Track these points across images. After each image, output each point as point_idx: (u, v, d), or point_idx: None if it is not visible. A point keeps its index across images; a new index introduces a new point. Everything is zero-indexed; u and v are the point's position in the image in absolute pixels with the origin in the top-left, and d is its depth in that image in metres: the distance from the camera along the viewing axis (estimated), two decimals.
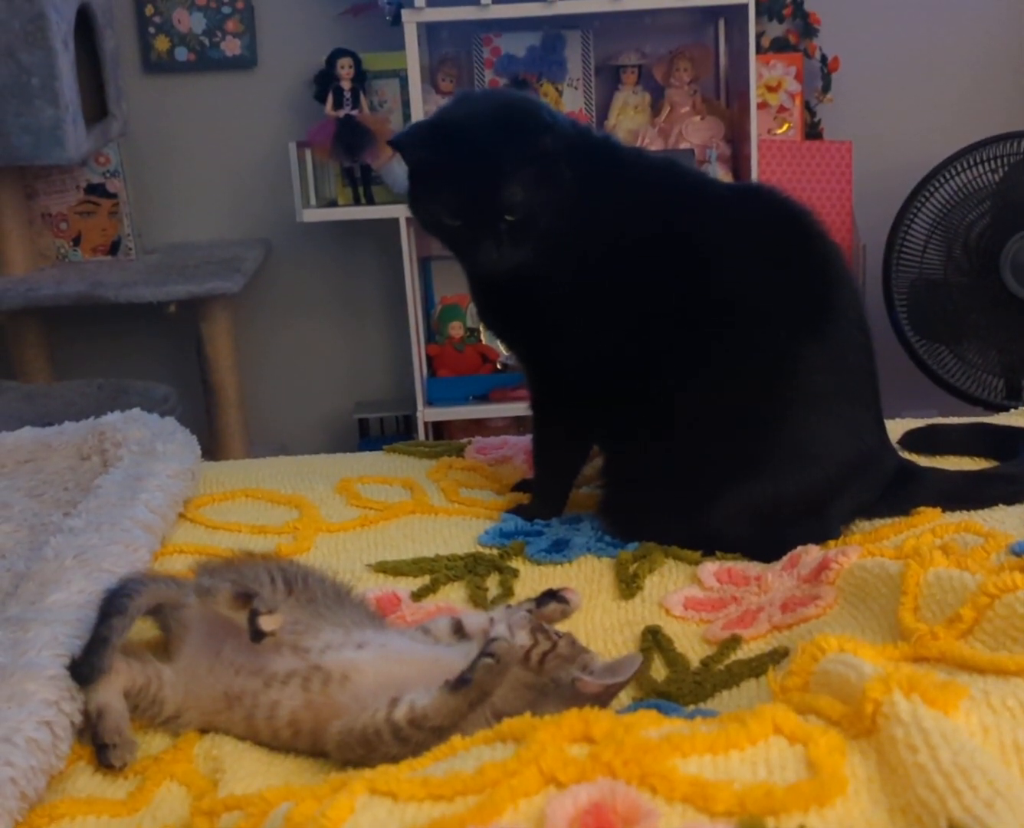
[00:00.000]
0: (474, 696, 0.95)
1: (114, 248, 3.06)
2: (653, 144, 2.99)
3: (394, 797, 0.81)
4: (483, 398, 2.99)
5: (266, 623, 1.04)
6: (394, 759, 0.91)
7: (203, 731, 1.08)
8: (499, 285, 1.50)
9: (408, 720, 0.96)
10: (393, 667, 1.03)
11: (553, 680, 1.02)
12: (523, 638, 1.03)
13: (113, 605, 1.07)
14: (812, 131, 3.10)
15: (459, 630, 1.13)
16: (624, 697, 1.14)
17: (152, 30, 3.09)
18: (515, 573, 1.38)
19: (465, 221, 1.42)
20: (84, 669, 1.04)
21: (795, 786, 0.78)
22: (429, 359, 3.05)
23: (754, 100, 2.81)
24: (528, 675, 1.02)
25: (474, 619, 1.15)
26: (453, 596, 1.34)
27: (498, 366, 3.05)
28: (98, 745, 1.03)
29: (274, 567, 1.14)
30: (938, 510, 1.41)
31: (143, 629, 1.16)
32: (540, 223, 1.42)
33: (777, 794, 0.77)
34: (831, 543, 1.37)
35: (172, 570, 1.38)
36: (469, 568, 1.39)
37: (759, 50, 2.95)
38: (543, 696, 1.01)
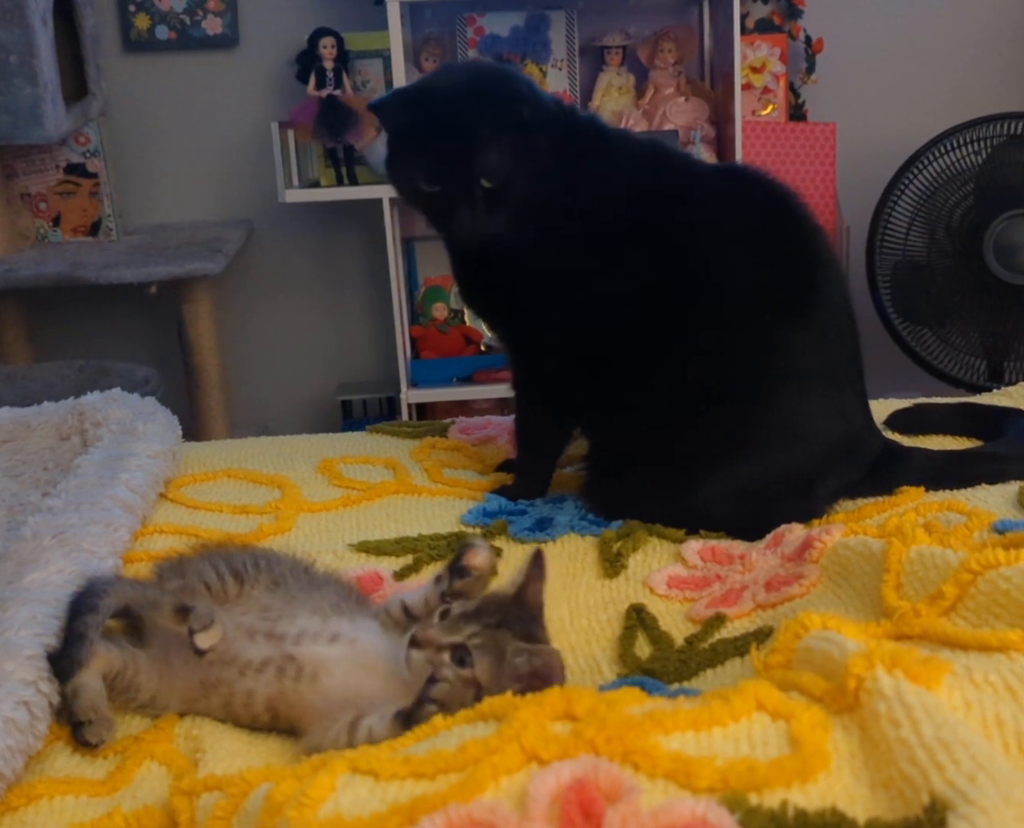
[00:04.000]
0: (429, 714, 0.93)
1: (94, 229, 3.03)
2: (637, 125, 2.98)
3: (375, 776, 0.80)
4: (467, 380, 2.99)
5: (201, 641, 1.02)
6: None
7: (182, 714, 1.07)
8: (481, 263, 1.50)
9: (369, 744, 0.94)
10: (359, 674, 1.02)
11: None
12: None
13: (85, 604, 1.06)
14: (796, 113, 3.10)
15: (408, 613, 1.10)
16: (609, 673, 1.14)
17: (132, 8, 3.06)
18: (498, 552, 1.37)
19: (441, 186, 1.42)
20: (63, 663, 1.03)
21: (778, 761, 0.78)
22: (413, 340, 3.04)
23: (738, 81, 2.81)
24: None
25: (414, 599, 1.10)
26: None
27: (482, 348, 3.04)
28: (74, 723, 1.02)
29: (222, 560, 1.11)
30: (921, 489, 1.41)
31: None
32: (517, 192, 1.41)
33: (760, 770, 0.77)
34: (815, 522, 1.37)
35: (153, 550, 1.38)
36: (452, 547, 1.38)
37: (743, 31, 2.94)
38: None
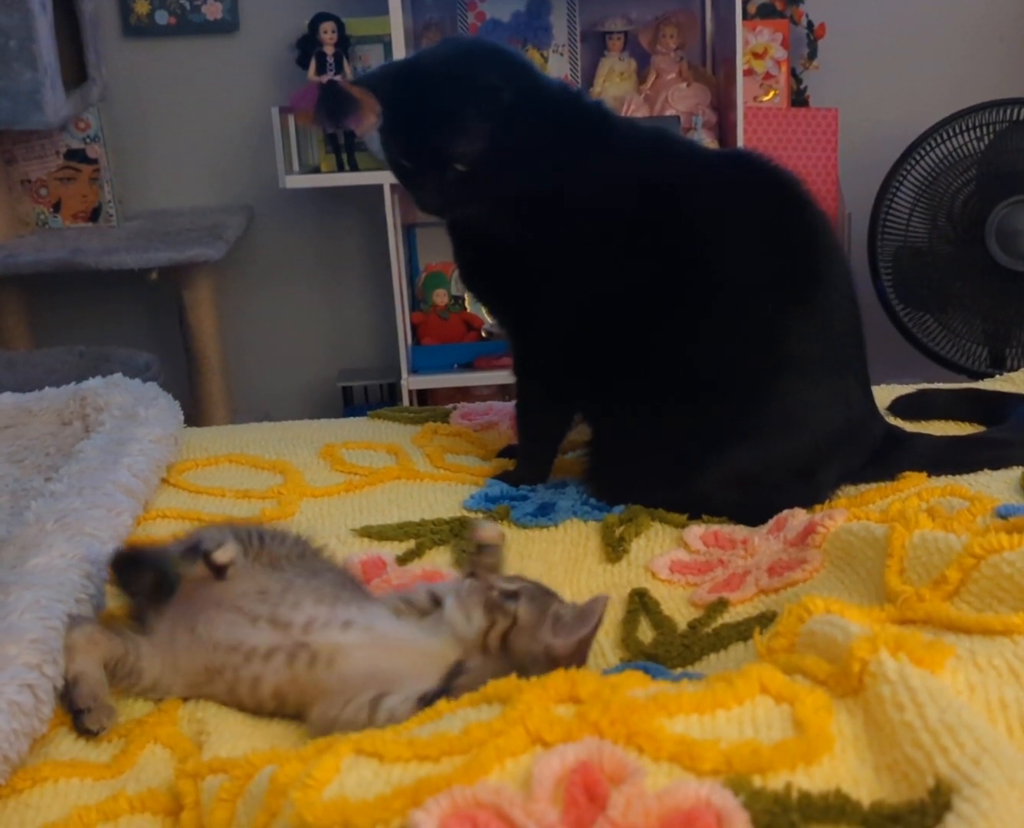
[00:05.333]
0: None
1: (95, 214, 3.02)
2: (639, 111, 2.97)
3: (380, 758, 0.80)
4: (468, 366, 2.98)
5: (220, 556, 1.03)
6: None
7: (185, 698, 1.07)
8: (483, 247, 1.50)
9: (391, 725, 0.94)
10: (380, 655, 1.02)
11: (527, 654, 0.99)
12: (479, 620, 1.00)
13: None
14: (798, 98, 3.09)
15: (437, 601, 1.10)
16: (612, 658, 1.14)
17: None
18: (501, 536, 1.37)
19: (416, 164, 1.43)
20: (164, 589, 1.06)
21: (782, 744, 0.78)
22: (413, 327, 3.04)
23: (740, 67, 2.80)
24: (497, 663, 0.99)
25: (447, 587, 1.12)
26: (438, 560, 1.33)
27: (483, 334, 3.04)
28: (74, 711, 1.02)
29: (227, 529, 1.12)
30: (924, 474, 1.41)
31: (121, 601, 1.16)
32: (491, 176, 1.42)
33: (764, 752, 0.77)
34: (817, 507, 1.37)
35: (155, 535, 1.38)
36: (455, 532, 1.38)
37: (745, 16, 2.92)
38: (522, 672, 0.96)
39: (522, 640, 1.00)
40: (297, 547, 1.15)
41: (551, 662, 0.98)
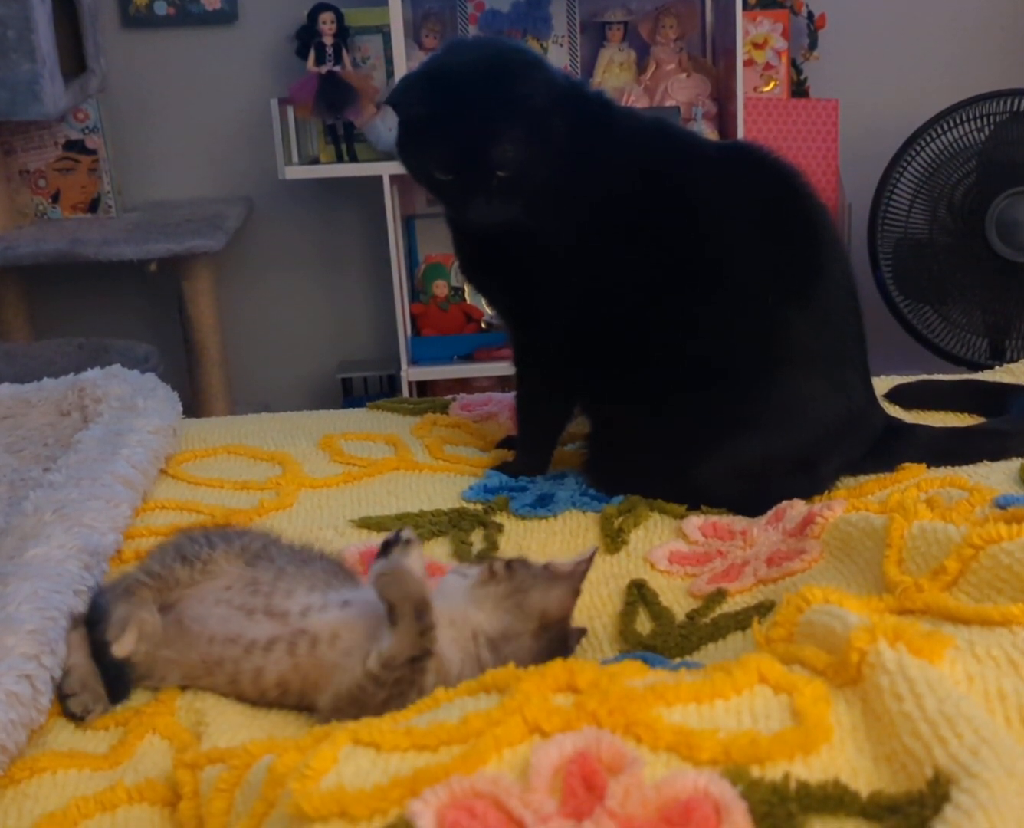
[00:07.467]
0: (408, 608, 0.96)
1: (94, 205, 3.02)
2: (639, 102, 2.97)
3: (377, 747, 0.80)
4: (467, 357, 2.98)
5: (116, 650, 1.04)
6: (385, 707, 0.92)
7: (184, 688, 1.07)
8: (484, 239, 1.49)
9: (381, 665, 0.96)
10: (382, 621, 1.01)
11: (530, 575, 1.05)
12: (478, 570, 1.06)
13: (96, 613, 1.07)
14: (798, 89, 3.08)
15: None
16: (609, 650, 1.14)
17: None
18: (499, 528, 1.38)
19: (456, 176, 1.41)
20: (117, 690, 1.05)
21: (780, 734, 0.78)
22: (413, 318, 3.04)
23: (740, 58, 2.79)
24: (501, 588, 1.04)
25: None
26: (437, 551, 1.33)
27: (483, 325, 3.03)
28: (61, 697, 1.03)
29: (173, 547, 1.11)
30: (923, 466, 1.41)
31: None
32: (533, 178, 1.41)
33: (762, 743, 0.77)
34: (816, 498, 1.37)
35: (154, 526, 1.38)
36: (454, 523, 1.38)
37: (745, 7, 2.91)
38: (524, 594, 1.03)
39: (524, 567, 1.05)
40: (260, 540, 1.14)
41: (551, 580, 1.04)
